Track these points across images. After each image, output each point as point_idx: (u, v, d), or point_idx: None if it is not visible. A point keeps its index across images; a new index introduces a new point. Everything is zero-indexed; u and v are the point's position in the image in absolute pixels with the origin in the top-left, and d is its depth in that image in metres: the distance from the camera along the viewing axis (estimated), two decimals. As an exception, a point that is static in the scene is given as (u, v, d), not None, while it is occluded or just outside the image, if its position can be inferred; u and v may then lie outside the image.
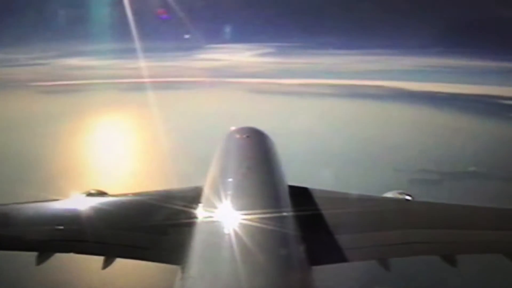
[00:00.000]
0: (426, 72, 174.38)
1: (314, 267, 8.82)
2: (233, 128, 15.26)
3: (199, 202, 10.33)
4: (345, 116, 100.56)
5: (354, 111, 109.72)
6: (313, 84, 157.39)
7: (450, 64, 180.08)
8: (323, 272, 9.08)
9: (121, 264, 10.24)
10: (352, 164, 61.02)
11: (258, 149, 13.46)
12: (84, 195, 12.00)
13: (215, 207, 9.60)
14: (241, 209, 9.15)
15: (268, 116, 79.42)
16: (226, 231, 8.53)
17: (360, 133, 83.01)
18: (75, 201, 11.30)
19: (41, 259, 10.15)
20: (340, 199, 11.44)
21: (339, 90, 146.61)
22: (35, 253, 10.09)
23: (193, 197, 10.60)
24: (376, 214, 10.78)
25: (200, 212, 9.95)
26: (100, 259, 10.39)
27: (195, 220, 9.71)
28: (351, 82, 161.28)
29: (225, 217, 9.11)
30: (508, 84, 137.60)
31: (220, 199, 9.77)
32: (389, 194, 12.42)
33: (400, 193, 12.22)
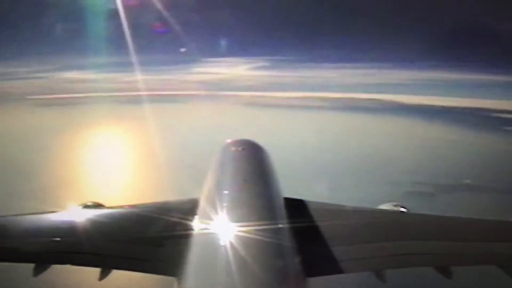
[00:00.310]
0: (420, 86, 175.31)
1: (310, 279, 8.87)
2: (228, 140, 15.30)
3: (195, 214, 10.37)
4: (339, 129, 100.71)
5: (348, 124, 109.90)
6: (307, 98, 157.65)
7: (444, 77, 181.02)
8: (318, 284, 9.14)
9: (117, 275, 10.26)
10: (346, 177, 60.85)
11: (254, 161, 13.50)
12: (81, 207, 12.03)
13: (211, 219, 9.62)
14: (237, 221, 9.18)
15: (263, 129, 79.45)
16: (222, 243, 8.54)
17: (354, 146, 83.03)
18: (72, 213, 11.31)
19: (38, 271, 10.17)
20: (335, 211, 11.49)
21: (334, 103, 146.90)
22: (32, 265, 10.12)
23: (189, 209, 10.63)
24: (371, 226, 10.84)
25: (196, 224, 9.99)
26: (96, 271, 10.42)
27: (191, 232, 9.75)
28: (345, 95, 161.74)
29: (221, 229, 9.15)
30: (500, 97, 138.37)
31: (216, 211, 9.79)
32: (384, 206, 12.49)
33: (395, 205, 12.29)
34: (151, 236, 10.23)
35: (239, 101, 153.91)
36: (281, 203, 10.91)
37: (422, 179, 62.29)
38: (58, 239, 10.11)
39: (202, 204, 10.77)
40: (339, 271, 9.61)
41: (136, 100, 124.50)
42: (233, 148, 14.27)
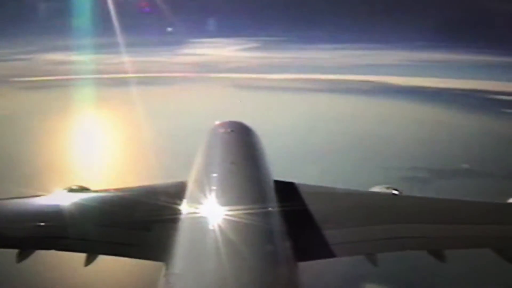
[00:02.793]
0: (414, 67, 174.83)
1: (301, 263, 8.75)
2: (217, 122, 15.14)
3: (183, 198, 10.23)
4: (331, 111, 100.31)
5: (341, 107, 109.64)
6: (299, 79, 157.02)
7: (439, 58, 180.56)
8: (309, 268, 9.02)
9: (104, 261, 10.09)
10: (338, 162, 60.47)
11: (243, 143, 13.37)
12: (66, 191, 11.77)
13: (199, 203, 9.51)
14: (226, 205, 9.09)
15: (253, 111, 79.13)
16: (210, 227, 8.45)
17: (347, 129, 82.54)
18: (57, 197, 11.08)
19: (22, 257, 9.99)
20: (326, 194, 11.41)
21: (326, 85, 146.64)
22: (15, 250, 9.90)
23: (177, 192, 10.48)
24: (363, 208, 10.77)
25: (184, 208, 9.86)
26: (82, 256, 10.22)
27: (179, 216, 9.63)
28: (338, 77, 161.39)
29: (210, 213, 9.04)
30: (497, 79, 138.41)
31: (204, 195, 9.68)
32: (376, 189, 12.41)
33: (387, 188, 12.20)
34: (138, 220, 10.10)
35: (228, 83, 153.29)
36: (271, 186, 10.79)
37: (418, 163, 61.44)
38: (42, 223, 9.95)
39: (190, 187, 10.64)
40: (330, 255, 9.54)
41: (122, 82, 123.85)
42: (221, 130, 14.10)
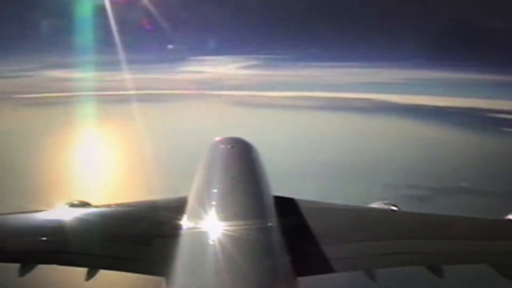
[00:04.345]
0: (413, 85, 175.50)
1: (300, 278, 8.79)
2: (217, 138, 15.22)
3: (184, 213, 10.25)
4: (331, 129, 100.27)
5: (341, 124, 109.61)
6: (298, 97, 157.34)
7: (437, 76, 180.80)
8: (309, 283, 9.06)
9: (105, 275, 10.11)
10: (339, 180, 59.95)
11: (243, 159, 13.44)
12: (67, 206, 11.85)
13: (200, 218, 9.54)
14: (226, 220, 9.12)
15: (253, 129, 79.18)
16: (211, 242, 8.49)
17: (347, 147, 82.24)
18: (58, 212, 11.16)
19: (24, 271, 10.00)
20: (325, 210, 11.47)
21: (325, 103, 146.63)
22: (17, 265, 9.93)
23: (178, 207, 10.52)
24: (362, 224, 10.83)
25: (185, 223, 9.88)
26: (83, 271, 10.26)
27: (180, 231, 9.63)
28: (337, 95, 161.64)
29: (210, 228, 9.06)
30: (496, 97, 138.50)
31: (205, 210, 9.71)
32: (375, 205, 12.48)
33: (386, 204, 12.29)
34: (139, 235, 10.13)
35: (228, 100, 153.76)
36: (270, 202, 10.84)
37: (417, 182, 60.97)
38: (44, 238, 9.98)
39: (191, 203, 10.68)
40: (329, 270, 9.55)
41: (123, 100, 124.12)
42: (222, 146, 14.20)
